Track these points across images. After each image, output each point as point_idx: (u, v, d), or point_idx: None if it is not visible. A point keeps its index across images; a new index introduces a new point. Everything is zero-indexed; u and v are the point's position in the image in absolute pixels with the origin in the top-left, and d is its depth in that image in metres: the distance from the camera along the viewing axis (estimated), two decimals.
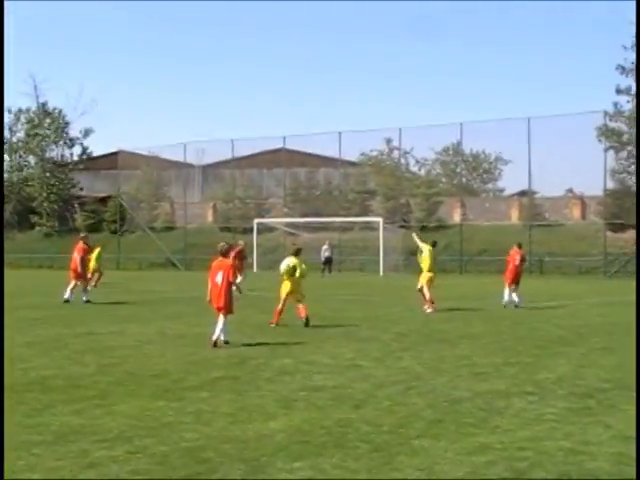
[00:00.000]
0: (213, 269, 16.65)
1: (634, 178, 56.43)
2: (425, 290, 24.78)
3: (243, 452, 8.20)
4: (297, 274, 20.42)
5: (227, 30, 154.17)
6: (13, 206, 78.99)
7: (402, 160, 68.89)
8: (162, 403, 10.53)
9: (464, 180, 75.80)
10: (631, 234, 54.30)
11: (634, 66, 54.42)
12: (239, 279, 36.57)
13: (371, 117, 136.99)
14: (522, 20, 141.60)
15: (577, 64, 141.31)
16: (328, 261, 53.31)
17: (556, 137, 54.49)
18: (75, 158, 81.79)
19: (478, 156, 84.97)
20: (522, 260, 27.50)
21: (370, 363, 14.09)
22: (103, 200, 75.46)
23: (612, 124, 55.32)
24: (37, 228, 77.95)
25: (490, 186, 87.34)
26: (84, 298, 27.06)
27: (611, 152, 55.28)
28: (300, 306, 20.16)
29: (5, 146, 78.78)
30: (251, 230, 59.99)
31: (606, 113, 54.63)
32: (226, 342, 16.31)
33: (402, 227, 59.88)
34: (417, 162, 75.47)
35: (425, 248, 25.88)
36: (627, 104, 55.08)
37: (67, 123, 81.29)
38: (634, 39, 51.77)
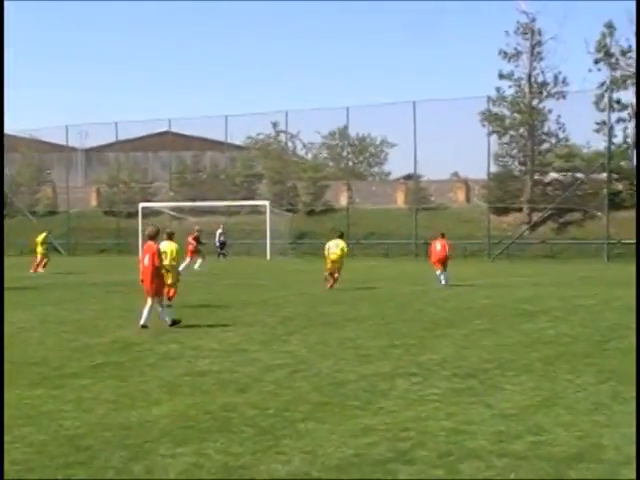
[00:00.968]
0: (143, 253, 17.11)
1: (516, 162, 57.77)
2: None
3: (125, 439, 8.08)
4: (168, 261, 20.30)
5: (109, 7, 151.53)
6: None
7: (289, 144, 69.11)
8: (41, 391, 10.31)
9: (350, 164, 76.25)
10: (513, 217, 55.64)
11: (515, 51, 55.60)
12: (199, 262, 36.65)
13: (257, 100, 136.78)
14: (404, 5, 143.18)
15: (462, 49, 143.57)
16: (223, 245, 52.95)
17: (441, 121, 55.44)
18: None
19: (364, 139, 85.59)
20: (443, 247, 29.68)
21: (256, 347, 14.07)
22: None
23: (495, 109, 56.40)
24: None
25: (376, 170, 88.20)
26: None
27: (494, 137, 56.36)
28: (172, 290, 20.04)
29: None
30: (136, 214, 59.28)
31: (489, 98, 55.64)
32: (173, 323, 16.59)
33: (289, 211, 60.03)
34: (304, 146, 75.79)
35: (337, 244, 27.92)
36: (509, 89, 56.26)
37: None
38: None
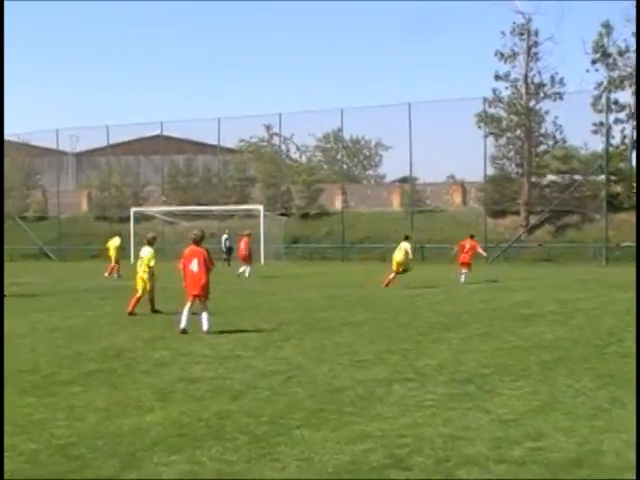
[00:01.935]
0: (186, 257, 16.89)
1: (513, 165, 57.85)
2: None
3: (118, 447, 8.06)
4: (145, 265, 20.55)
5: (98, 11, 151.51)
6: None
7: (282, 147, 69.17)
8: (32, 399, 10.29)
9: (345, 167, 76.35)
10: (510, 220, 55.70)
11: (512, 52, 55.66)
12: (249, 268, 36.94)
13: (250, 103, 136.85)
14: (400, 6, 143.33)
15: (458, 49, 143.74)
16: (230, 251, 52.71)
17: (437, 123, 55.45)
18: None
19: (359, 142, 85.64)
20: (471, 248, 32.96)
21: (250, 353, 14.05)
22: None
23: (491, 110, 56.48)
24: None
25: (371, 172, 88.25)
26: None
27: (491, 138, 56.50)
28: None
29: None
30: (128, 219, 59.29)
31: (485, 99, 55.72)
32: (207, 332, 16.37)
33: (283, 215, 60.05)
34: (298, 149, 75.87)
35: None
36: (506, 90, 56.32)
37: None
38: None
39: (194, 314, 16.74)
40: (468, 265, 32.49)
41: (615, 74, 56.40)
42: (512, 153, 57.63)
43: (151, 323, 18.67)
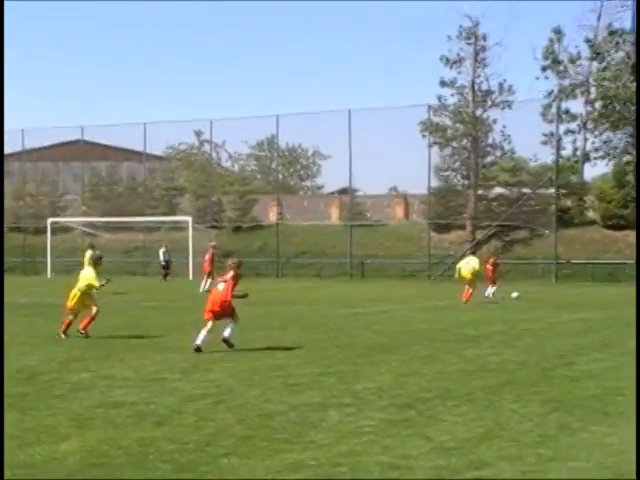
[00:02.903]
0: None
1: (459, 176, 58.35)
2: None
3: (29, 479, 7.95)
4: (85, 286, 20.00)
5: (13, 6, 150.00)
6: None
7: (213, 154, 69.08)
8: None
9: (280, 177, 76.40)
10: (456, 234, 56.14)
11: (458, 57, 56.10)
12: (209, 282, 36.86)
13: (180, 107, 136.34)
14: (343, 9, 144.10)
15: (401, 54, 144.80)
16: (168, 264, 52.36)
17: (378, 132, 55.67)
18: None
19: (295, 150, 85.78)
20: (493, 264, 35.32)
21: (176, 376, 13.97)
22: None
23: (436, 119, 56.79)
24: None
25: (308, 183, 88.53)
26: None
27: (435, 148, 56.81)
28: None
29: None
30: (44, 230, 58.62)
31: (430, 107, 56.02)
32: (230, 345, 17.38)
33: (213, 227, 59.90)
34: (230, 157, 75.87)
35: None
36: (452, 97, 56.68)
37: None
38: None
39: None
40: (492, 280, 34.47)
41: (566, 82, 57.26)
42: (458, 164, 58.11)
43: (68, 343, 18.45)
